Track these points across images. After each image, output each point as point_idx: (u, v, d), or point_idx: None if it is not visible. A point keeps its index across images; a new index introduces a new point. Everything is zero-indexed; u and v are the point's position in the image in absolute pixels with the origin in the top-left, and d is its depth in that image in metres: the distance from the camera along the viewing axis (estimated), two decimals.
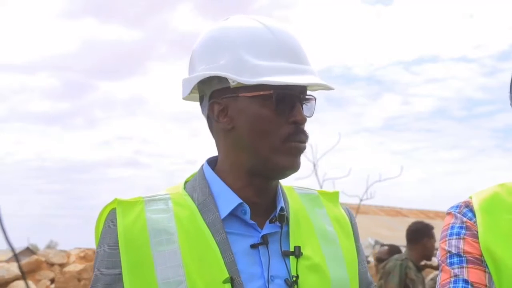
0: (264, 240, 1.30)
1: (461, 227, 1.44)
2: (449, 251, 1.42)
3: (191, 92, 1.39)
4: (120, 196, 1.31)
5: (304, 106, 1.32)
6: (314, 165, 11.57)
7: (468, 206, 1.47)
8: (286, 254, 1.31)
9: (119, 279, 1.24)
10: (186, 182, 1.39)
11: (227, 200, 1.31)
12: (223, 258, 1.25)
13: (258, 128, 1.29)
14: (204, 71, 1.33)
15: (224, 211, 1.30)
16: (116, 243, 1.26)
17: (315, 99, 1.35)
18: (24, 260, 8.43)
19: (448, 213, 1.50)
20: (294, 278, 1.28)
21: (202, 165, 1.39)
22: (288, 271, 1.29)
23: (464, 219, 1.44)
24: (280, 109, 1.28)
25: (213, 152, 1.40)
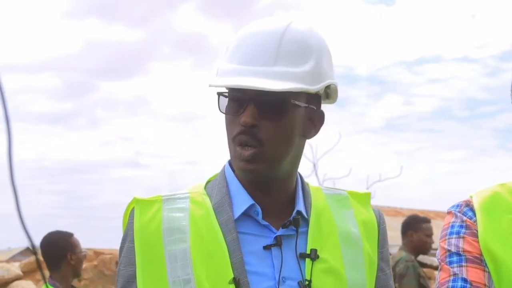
0: (278, 242, 1.29)
1: (461, 226, 1.43)
2: (449, 250, 1.41)
3: None
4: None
5: (264, 108, 1.27)
6: (314, 165, 11.59)
7: (468, 205, 1.45)
8: (302, 256, 1.30)
9: (134, 276, 1.27)
10: (208, 182, 1.40)
11: (241, 200, 1.32)
12: (230, 258, 1.25)
13: (226, 130, 1.33)
14: None
15: (238, 211, 1.31)
16: (133, 241, 1.28)
17: (287, 101, 1.28)
18: (24, 260, 8.44)
19: (449, 212, 1.49)
20: (308, 282, 1.27)
21: (224, 165, 1.40)
22: (302, 274, 1.28)
23: (464, 218, 1.43)
24: (231, 111, 1.30)
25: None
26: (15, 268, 8.13)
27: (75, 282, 3.92)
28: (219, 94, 1.32)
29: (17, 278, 7.99)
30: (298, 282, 1.27)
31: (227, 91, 1.32)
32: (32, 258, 8.37)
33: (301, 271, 1.28)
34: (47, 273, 3.76)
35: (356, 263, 1.35)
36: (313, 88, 1.30)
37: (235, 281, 1.23)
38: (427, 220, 5.31)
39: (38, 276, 8.05)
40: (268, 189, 1.33)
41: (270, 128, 1.27)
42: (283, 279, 1.27)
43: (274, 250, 1.29)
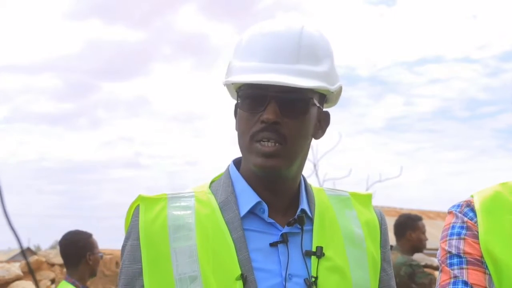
0: (284, 239, 1.30)
1: (461, 227, 1.42)
2: (449, 252, 1.41)
3: None
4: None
5: (285, 106, 1.28)
6: (315, 166, 11.58)
7: (469, 205, 1.45)
8: (307, 254, 1.31)
9: (139, 274, 1.28)
10: (212, 182, 1.41)
11: (247, 198, 1.33)
12: (237, 255, 1.26)
13: (239, 128, 1.34)
14: None
15: (244, 209, 1.32)
16: (138, 238, 1.29)
17: (309, 99, 1.31)
18: (25, 261, 8.42)
19: (449, 212, 1.48)
20: (314, 279, 1.28)
21: (229, 165, 1.41)
22: (308, 271, 1.29)
23: (465, 219, 1.43)
24: (251, 108, 1.30)
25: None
26: (15, 268, 8.12)
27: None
28: (238, 91, 1.33)
29: (17, 278, 7.97)
30: (304, 279, 1.28)
31: (239, 88, 1.33)
32: (32, 258, 8.36)
33: (307, 268, 1.29)
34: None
35: (360, 263, 1.35)
36: (332, 87, 1.34)
37: (243, 277, 1.24)
38: (420, 218, 5.32)
39: (38, 276, 8.04)
40: (275, 187, 1.34)
41: (291, 126, 1.29)
42: (290, 276, 1.28)
43: (281, 247, 1.30)
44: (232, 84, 1.35)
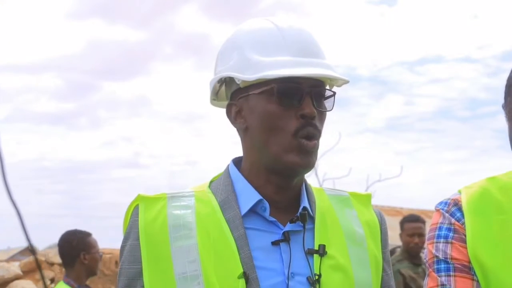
0: (286, 237, 1.29)
1: (448, 229, 1.39)
2: (436, 256, 1.38)
3: (221, 98, 1.43)
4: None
5: (317, 100, 1.29)
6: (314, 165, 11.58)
7: (456, 204, 1.42)
8: (310, 252, 1.30)
9: (140, 274, 1.27)
10: (212, 181, 1.40)
11: (248, 197, 1.32)
12: (239, 253, 1.25)
13: (266, 124, 1.29)
14: (217, 74, 1.37)
15: (245, 208, 1.31)
16: (138, 238, 1.28)
17: (334, 93, 1.33)
18: (24, 260, 8.42)
19: (437, 210, 1.45)
20: (317, 277, 1.27)
21: (228, 164, 1.40)
22: (311, 269, 1.28)
23: (452, 220, 1.40)
24: (287, 103, 1.27)
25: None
26: (14, 268, 8.11)
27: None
28: (275, 84, 1.27)
29: (17, 277, 7.96)
30: (307, 278, 1.27)
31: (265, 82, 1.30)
32: (32, 258, 8.35)
33: (310, 266, 1.28)
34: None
35: (362, 262, 1.35)
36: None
37: (245, 276, 1.23)
38: (413, 219, 5.08)
39: (38, 275, 8.04)
40: (290, 185, 1.33)
41: (321, 120, 1.31)
42: (292, 274, 1.27)
43: (283, 245, 1.29)
44: (236, 81, 1.31)
